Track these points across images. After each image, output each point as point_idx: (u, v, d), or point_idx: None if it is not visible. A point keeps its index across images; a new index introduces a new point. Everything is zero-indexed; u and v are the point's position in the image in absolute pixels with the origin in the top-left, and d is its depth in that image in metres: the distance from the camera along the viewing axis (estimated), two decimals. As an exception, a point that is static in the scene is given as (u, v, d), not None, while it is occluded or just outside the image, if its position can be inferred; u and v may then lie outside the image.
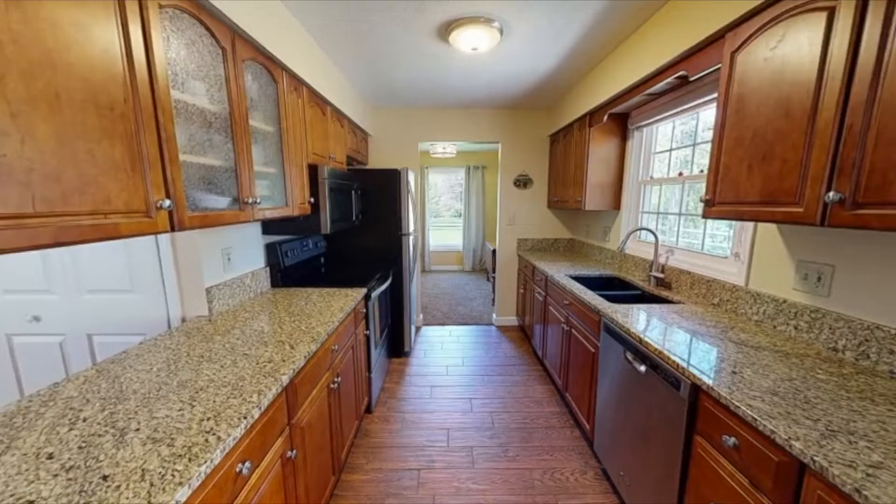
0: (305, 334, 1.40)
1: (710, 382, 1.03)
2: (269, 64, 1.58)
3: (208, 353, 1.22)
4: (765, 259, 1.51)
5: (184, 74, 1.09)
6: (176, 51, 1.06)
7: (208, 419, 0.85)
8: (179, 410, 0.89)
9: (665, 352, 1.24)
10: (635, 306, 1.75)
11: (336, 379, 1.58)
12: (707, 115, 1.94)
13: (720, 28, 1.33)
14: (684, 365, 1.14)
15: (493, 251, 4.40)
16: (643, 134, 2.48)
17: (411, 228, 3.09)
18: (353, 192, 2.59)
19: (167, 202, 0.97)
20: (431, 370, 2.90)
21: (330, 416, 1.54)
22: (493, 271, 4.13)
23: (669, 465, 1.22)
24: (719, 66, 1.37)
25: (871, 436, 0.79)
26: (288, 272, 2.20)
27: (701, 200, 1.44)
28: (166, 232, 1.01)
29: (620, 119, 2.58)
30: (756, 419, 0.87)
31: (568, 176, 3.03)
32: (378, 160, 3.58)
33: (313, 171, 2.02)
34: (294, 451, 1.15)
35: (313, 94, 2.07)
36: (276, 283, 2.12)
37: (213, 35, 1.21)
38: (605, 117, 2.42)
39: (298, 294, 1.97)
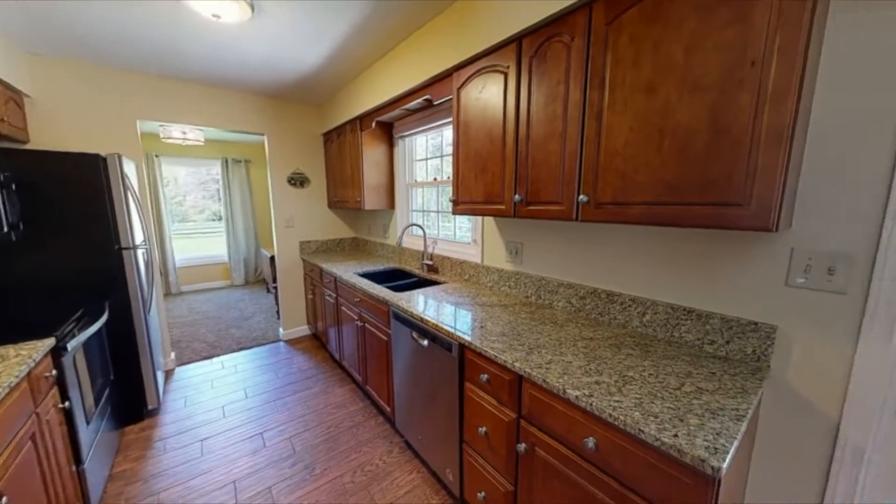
0: None
1: (469, 339, 1.35)
2: None
3: None
4: (490, 242, 2.12)
5: None
6: None
7: None
8: None
9: (440, 324, 1.51)
10: (415, 292, 2.03)
11: (-1, 500, 0.95)
12: (448, 134, 2.48)
13: (448, 67, 1.72)
14: (453, 331, 1.44)
15: (272, 258, 3.89)
16: (405, 143, 2.87)
17: (139, 239, 2.23)
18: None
19: None
20: (199, 419, 2.26)
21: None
22: (274, 281, 3.66)
23: (451, 413, 1.51)
24: (452, 96, 1.78)
25: (547, 346, 1.28)
26: None
27: (450, 200, 1.84)
28: None
29: (387, 127, 2.87)
30: (496, 356, 1.22)
31: (346, 176, 3.09)
32: (53, 138, 2.34)
33: None
34: None
35: None
36: None
37: None
38: (374, 124, 2.63)
39: None
